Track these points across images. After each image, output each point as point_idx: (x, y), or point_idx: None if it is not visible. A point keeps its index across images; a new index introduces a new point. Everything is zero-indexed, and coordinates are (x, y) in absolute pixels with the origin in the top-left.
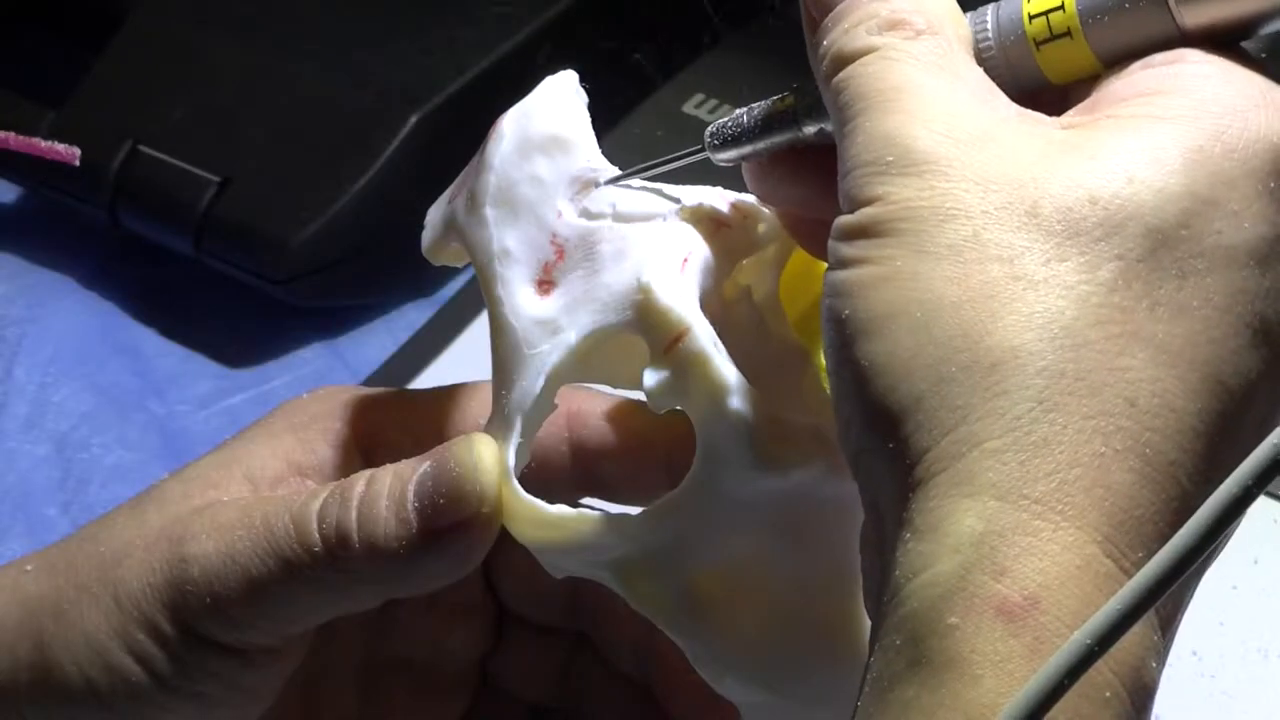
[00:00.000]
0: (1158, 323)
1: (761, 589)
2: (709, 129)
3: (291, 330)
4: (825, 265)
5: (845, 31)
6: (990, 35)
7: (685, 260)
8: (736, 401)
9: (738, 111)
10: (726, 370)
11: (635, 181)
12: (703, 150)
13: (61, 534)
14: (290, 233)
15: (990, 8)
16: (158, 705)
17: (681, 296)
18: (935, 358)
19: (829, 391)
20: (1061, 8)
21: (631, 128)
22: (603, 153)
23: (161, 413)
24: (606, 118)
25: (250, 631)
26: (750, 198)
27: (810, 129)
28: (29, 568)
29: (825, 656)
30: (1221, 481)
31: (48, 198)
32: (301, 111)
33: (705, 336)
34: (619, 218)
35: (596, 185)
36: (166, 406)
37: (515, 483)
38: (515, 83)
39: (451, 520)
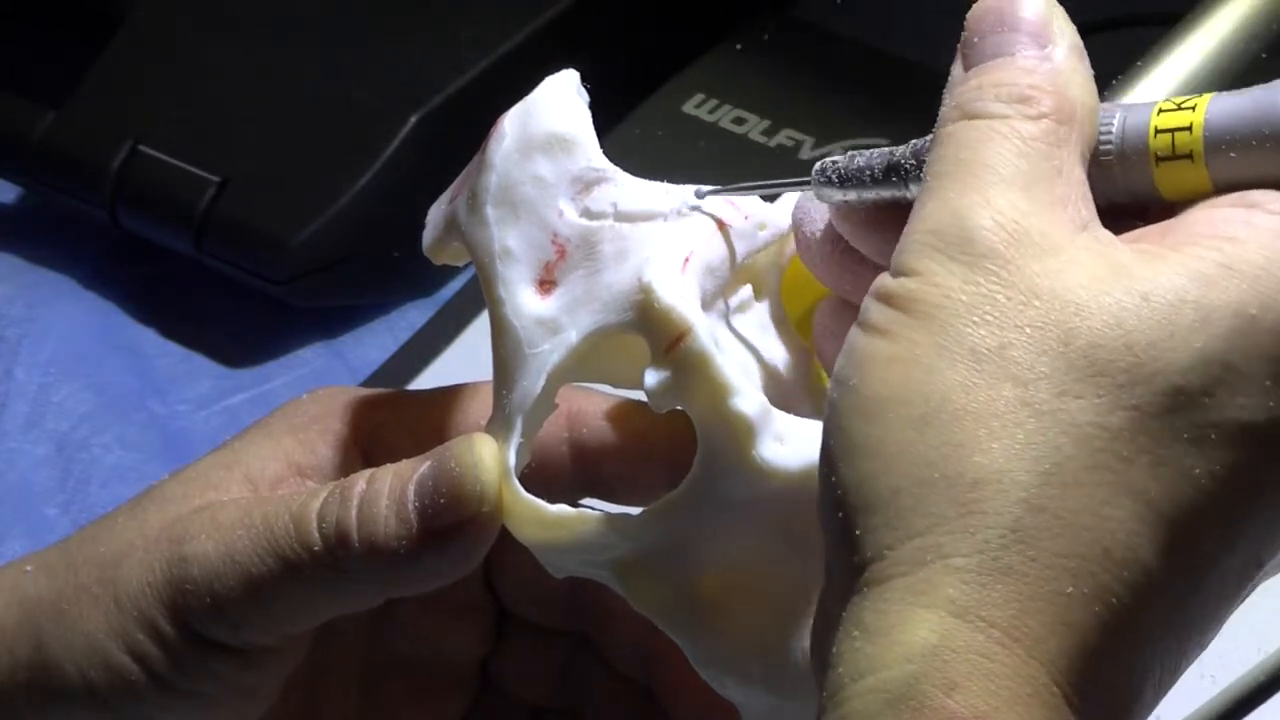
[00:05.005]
0: (1154, 481)
1: (762, 589)
2: (819, 165)
3: (291, 330)
4: None
5: (976, 89)
6: (1114, 138)
7: (687, 260)
8: (737, 402)
9: (850, 154)
10: (728, 371)
11: (636, 181)
12: (808, 183)
13: (61, 534)
14: (290, 233)
15: (1119, 110)
16: (157, 705)
17: (683, 296)
18: (922, 459)
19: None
20: (1189, 129)
21: (631, 128)
22: (603, 152)
23: (161, 413)
24: (606, 118)
25: (250, 631)
26: (752, 197)
27: (916, 191)
28: (28, 568)
29: None
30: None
31: (48, 198)
32: (301, 111)
33: (707, 337)
34: (620, 217)
35: (698, 194)
36: (166, 406)
37: (516, 482)
38: (515, 83)
39: (452, 520)
